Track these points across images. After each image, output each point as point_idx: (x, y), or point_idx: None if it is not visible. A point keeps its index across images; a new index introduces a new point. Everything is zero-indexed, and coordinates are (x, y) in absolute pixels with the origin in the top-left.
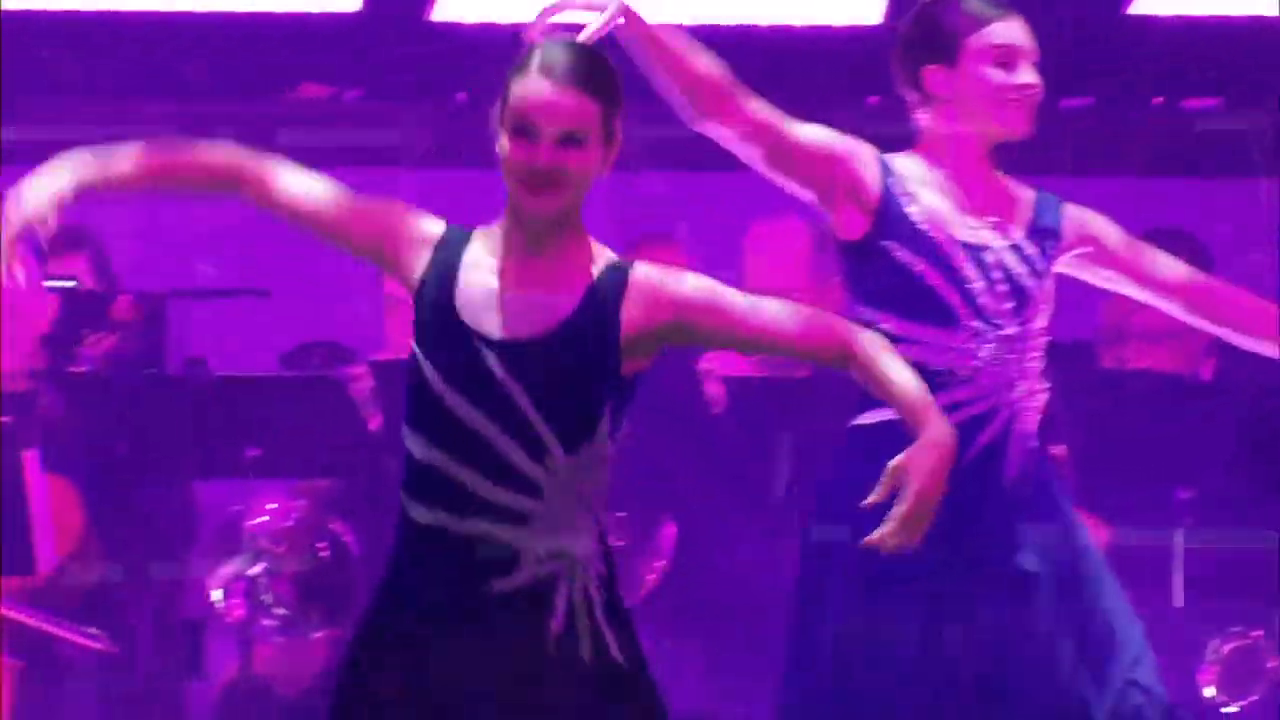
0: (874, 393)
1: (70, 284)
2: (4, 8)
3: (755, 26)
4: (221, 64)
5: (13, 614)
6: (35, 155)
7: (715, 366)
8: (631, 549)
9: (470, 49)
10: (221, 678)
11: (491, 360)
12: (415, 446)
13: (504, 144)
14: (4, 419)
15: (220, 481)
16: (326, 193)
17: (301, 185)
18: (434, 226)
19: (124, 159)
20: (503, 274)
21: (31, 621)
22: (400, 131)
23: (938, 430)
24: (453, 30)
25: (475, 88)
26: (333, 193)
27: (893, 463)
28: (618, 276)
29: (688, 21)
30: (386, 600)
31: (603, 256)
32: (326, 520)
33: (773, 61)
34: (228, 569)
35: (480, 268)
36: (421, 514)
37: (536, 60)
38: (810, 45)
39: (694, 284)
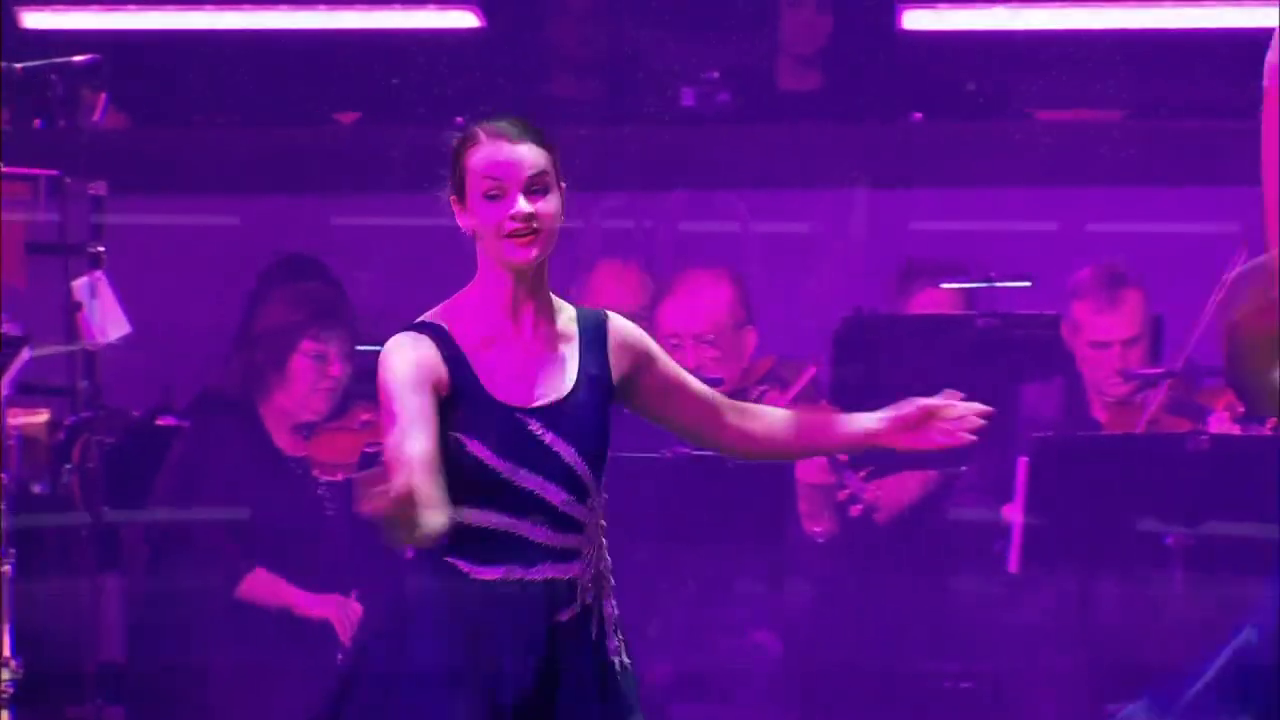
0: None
1: None
2: None
3: None
4: None
5: None
6: None
7: None
8: None
9: None
10: None
11: (535, 426)
12: (476, 516)
13: (474, 213)
14: None
15: None
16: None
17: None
18: (425, 344)
19: None
20: (501, 345)
21: None
22: None
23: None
24: None
25: None
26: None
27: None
28: (597, 325)
29: None
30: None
31: (566, 310)
32: None
33: None
34: None
35: (485, 347)
36: (489, 571)
37: (482, 131)
38: None
39: (653, 340)
